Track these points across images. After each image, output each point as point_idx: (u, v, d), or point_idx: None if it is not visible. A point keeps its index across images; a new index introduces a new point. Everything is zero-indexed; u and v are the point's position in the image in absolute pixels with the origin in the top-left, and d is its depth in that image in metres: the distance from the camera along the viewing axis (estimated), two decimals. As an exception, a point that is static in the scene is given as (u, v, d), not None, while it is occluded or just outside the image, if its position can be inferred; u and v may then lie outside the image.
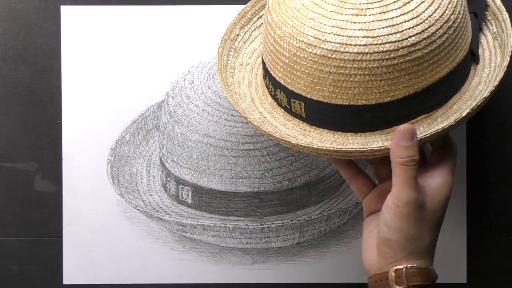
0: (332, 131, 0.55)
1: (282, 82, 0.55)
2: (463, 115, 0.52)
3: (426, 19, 0.51)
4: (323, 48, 0.51)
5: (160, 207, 0.72)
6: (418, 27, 0.51)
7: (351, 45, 0.50)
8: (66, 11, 0.71)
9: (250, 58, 0.63)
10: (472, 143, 0.71)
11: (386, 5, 0.51)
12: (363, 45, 0.50)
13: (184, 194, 0.71)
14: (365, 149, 0.52)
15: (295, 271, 0.72)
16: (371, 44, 0.50)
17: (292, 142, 0.53)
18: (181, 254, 0.72)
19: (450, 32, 0.52)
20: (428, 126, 0.54)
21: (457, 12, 0.53)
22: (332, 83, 0.52)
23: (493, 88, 0.53)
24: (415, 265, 0.52)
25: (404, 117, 0.54)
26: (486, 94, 0.53)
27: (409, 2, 0.51)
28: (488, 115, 0.71)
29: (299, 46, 0.52)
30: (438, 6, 0.52)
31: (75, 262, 0.71)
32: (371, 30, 0.50)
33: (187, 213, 0.71)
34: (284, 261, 0.72)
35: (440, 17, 0.52)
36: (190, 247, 0.72)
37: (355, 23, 0.51)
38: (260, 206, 0.71)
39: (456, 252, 0.71)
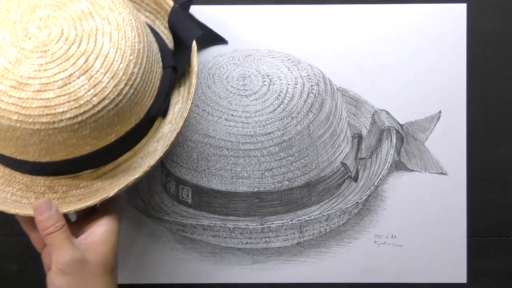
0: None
1: None
2: (114, 191, 0.56)
3: (84, 103, 0.52)
4: None
5: (160, 207, 0.72)
6: (73, 110, 0.52)
7: (4, 117, 0.52)
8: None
9: None
10: (472, 143, 0.71)
11: (45, 84, 0.52)
12: (15, 120, 0.52)
13: (184, 194, 0.71)
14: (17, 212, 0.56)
15: (295, 271, 0.72)
16: (23, 121, 0.52)
17: None
18: (181, 254, 0.72)
19: (111, 113, 0.54)
20: (88, 183, 0.58)
21: (122, 94, 0.54)
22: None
23: (165, 148, 0.57)
24: None
25: (70, 171, 0.58)
26: (152, 162, 0.56)
27: (70, 83, 0.52)
28: (488, 115, 0.71)
29: None
30: (100, 90, 0.53)
31: (75, 262, 0.71)
32: (24, 107, 0.52)
33: (187, 213, 0.71)
34: (284, 261, 0.72)
35: (101, 101, 0.53)
36: (190, 247, 0.72)
37: (10, 96, 0.52)
38: (260, 206, 0.71)
39: (456, 252, 0.71)
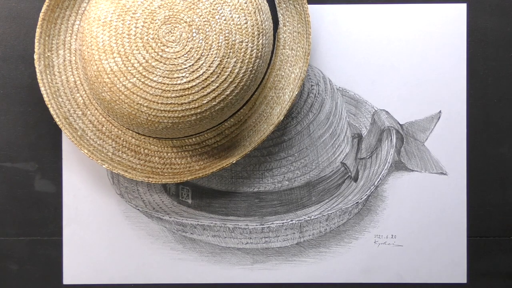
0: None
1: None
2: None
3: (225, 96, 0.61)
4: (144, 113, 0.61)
5: (160, 207, 0.72)
6: (213, 101, 0.60)
7: (165, 116, 0.61)
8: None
9: None
10: (472, 143, 0.71)
11: (188, 88, 0.60)
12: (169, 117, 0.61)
13: (184, 194, 0.71)
14: None
15: (295, 271, 0.72)
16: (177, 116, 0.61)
17: None
18: (181, 254, 0.72)
19: (246, 92, 0.63)
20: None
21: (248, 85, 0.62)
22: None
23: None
24: None
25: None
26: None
27: (211, 83, 0.60)
28: (488, 115, 0.71)
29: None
30: (237, 85, 0.61)
31: (75, 262, 0.71)
32: (173, 111, 0.60)
33: (187, 213, 0.71)
34: (284, 261, 0.72)
35: (240, 92, 0.62)
36: (190, 247, 0.72)
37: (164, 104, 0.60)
38: (260, 206, 0.71)
39: (456, 252, 0.71)
